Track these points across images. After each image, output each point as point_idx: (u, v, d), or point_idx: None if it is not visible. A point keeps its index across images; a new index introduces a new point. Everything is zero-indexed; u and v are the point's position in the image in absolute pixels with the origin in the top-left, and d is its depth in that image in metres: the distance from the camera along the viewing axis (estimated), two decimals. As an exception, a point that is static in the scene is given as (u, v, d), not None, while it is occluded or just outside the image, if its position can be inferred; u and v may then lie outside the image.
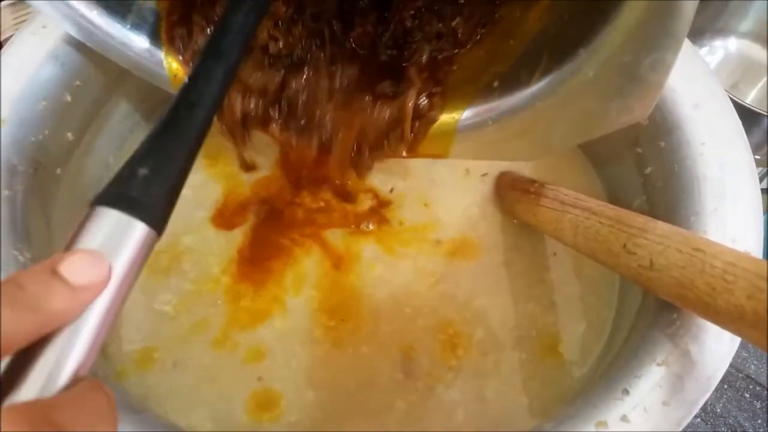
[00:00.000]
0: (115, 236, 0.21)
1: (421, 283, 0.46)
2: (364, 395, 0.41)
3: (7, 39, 0.64)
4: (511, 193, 0.47)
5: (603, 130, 0.31)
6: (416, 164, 0.48)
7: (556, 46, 0.32)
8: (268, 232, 0.46)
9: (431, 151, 0.39)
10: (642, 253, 0.32)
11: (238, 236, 0.46)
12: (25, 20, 0.66)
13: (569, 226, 0.38)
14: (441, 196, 0.49)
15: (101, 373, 0.37)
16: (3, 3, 0.63)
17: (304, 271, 0.46)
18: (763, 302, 0.25)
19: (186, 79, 0.27)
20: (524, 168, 0.50)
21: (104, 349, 0.42)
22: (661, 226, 0.32)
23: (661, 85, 0.28)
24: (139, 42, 0.39)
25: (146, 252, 0.22)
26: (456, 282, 0.46)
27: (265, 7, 0.31)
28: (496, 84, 0.36)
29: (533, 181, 0.46)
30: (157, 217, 0.22)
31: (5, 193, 0.37)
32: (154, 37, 0.39)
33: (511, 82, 0.35)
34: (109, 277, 0.21)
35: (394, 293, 0.45)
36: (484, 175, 0.50)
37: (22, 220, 0.37)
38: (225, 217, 0.47)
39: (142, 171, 0.23)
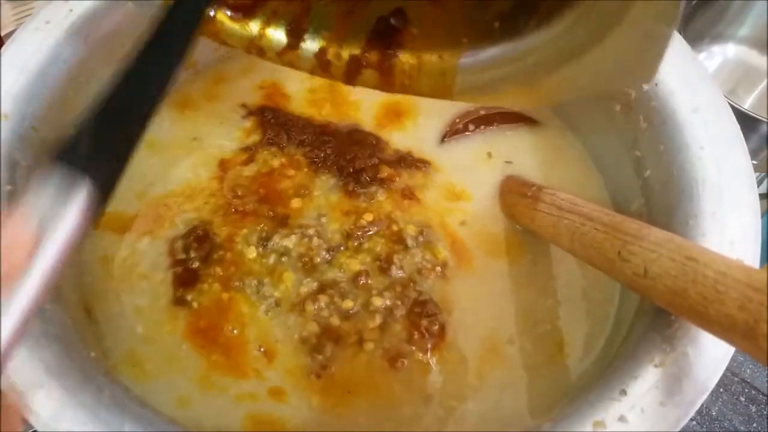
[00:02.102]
0: (57, 197, 0.21)
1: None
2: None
3: (8, 34, 0.64)
4: (509, 197, 0.47)
5: (601, 87, 0.32)
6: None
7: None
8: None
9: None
10: (636, 261, 0.32)
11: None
12: (26, 16, 0.66)
13: (566, 231, 0.38)
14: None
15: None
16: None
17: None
18: (753, 313, 0.25)
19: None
20: (528, 168, 0.50)
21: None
22: (656, 234, 0.33)
23: (661, 54, 0.29)
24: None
25: (90, 214, 0.22)
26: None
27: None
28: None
29: (531, 185, 0.46)
30: (101, 177, 0.23)
31: (7, 188, 0.37)
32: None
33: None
34: (37, 239, 0.20)
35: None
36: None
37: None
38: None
39: (88, 135, 0.23)
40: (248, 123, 0.52)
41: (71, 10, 0.43)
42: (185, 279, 0.45)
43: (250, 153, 0.51)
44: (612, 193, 0.49)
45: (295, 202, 0.48)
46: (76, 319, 0.37)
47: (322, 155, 0.50)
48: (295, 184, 0.49)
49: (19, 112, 0.39)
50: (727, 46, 0.72)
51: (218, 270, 0.45)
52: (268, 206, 0.48)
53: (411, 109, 0.53)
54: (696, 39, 0.69)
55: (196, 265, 0.45)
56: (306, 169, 0.50)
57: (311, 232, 0.46)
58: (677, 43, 0.45)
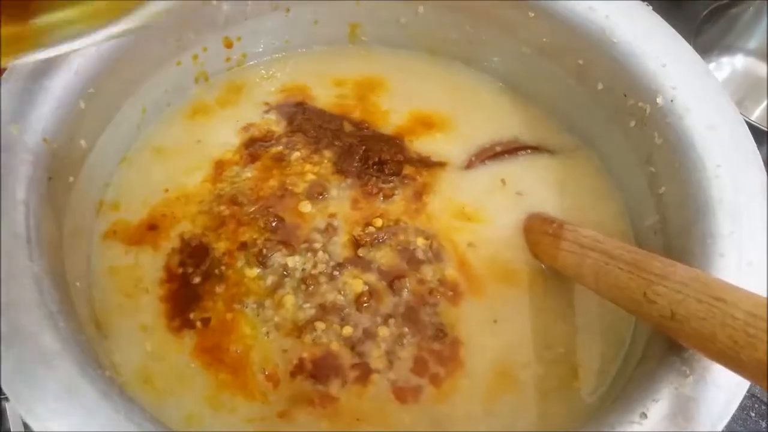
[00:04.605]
0: None
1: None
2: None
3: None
4: (533, 236, 0.46)
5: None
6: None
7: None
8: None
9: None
10: (662, 303, 0.31)
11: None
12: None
13: (590, 271, 0.38)
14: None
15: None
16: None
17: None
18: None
19: None
20: (544, 186, 0.50)
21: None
22: (681, 272, 0.32)
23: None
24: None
25: None
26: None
27: None
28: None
29: (552, 221, 0.45)
30: None
31: (19, 201, 0.36)
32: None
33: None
34: None
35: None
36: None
37: (36, 229, 0.36)
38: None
39: None
40: (272, 116, 0.52)
41: (83, 21, 0.42)
42: (188, 296, 0.44)
43: (261, 147, 0.50)
44: (628, 209, 0.49)
45: (305, 206, 0.47)
46: (89, 336, 0.37)
47: (348, 143, 0.50)
48: (309, 184, 0.48)
49: (32, 125, 0.39)
50: (736, 57, 0.72)
51: (221, 288, 0.44)
52: (271, 214, 0.47)
53: (444, 123, 0.53)
54: (705, 50, 0.69)
55: (197, 280, 0.44)
56: (327, 162, 0.49)
57: (318, 246, 0.46)
58: (693, 59, 0.45)
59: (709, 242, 0.38)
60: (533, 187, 0.50)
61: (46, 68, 0.40)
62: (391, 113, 0.53)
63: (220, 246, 0.45)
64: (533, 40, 0.51)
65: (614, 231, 0.48)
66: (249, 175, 0.49)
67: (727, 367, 0.28)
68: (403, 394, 0.41)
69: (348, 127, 0.52)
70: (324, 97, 0.54)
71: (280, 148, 0.50)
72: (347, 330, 0.42)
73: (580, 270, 0.39)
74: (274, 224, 0.46)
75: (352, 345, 0.42)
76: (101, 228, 0.46)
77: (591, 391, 0.41)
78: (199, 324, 0.43)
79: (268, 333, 0.43)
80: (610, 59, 0.46)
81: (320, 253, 0.45)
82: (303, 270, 0.45)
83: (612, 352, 0.43)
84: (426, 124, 0.53)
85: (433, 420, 0.41)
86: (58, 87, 0.40)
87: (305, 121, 0.52)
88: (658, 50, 0.45)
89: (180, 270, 0.45)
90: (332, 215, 0.47)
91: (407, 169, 0.49)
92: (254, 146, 0.50)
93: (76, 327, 0.35)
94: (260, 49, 0.55)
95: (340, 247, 0.46)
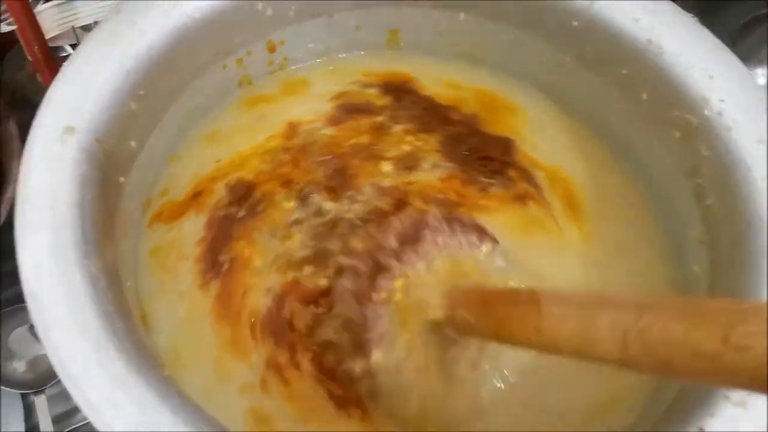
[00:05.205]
0: None
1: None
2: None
3: (53, 38, 0.64)
4: (492, 313, 0.35)
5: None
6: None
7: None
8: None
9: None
10: (758, 346, 0.22)
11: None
12: (69, 21, 0.66)
13: (609, 334, 0.27)
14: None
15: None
16: (50, 2, 0.63)
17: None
18: None
19: None
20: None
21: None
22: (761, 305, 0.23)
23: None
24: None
25: None
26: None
27: None
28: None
29: (512, 290, 0.39)
30: None
31: (74, 202, 0.37)
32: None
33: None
34: None
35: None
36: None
37: (92, 229, 0.37)
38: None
39: None
40: (373, 90, 0.53)
41: (135, 23, 0.43)
42: (224, 237, 0.44)
43: (358, 112, 0.51)
44: (667, 219, 0.49)
45: (385, 166, 0.48)
46: (141, 335, 0.37)
47: (458, 131, 0.50)
48: (403, 153, 0.49)
49: (86, 125, 0.39)
50: (772, 70, 0.72)
51: (256, 221, 0.45)
52: (337, 164, 0.47)
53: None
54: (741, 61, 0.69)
55: (241, 214, 0.45)
56: (433, 141, 0.50)
57: (362, 198, 0.46)
58: (740, 72, 0.45)
59: (759, 256, 0.38)
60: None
61: (99, 69, 0.41)
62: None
63: (269, 186, 0.46)
64: (575, 49, 0.51)
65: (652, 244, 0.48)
66: (330, 132, 0.50)
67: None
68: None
69: (456, 117, 0.52)
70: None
71: (381, 118, 0.51)
72: (323, 282, 0.42)
73: (589, 336, 0.28)
74: (331, 172, 0.47)
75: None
76: (148, 219, 0.46)
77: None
78: (225, 266, 0.43)
79: (267, 268, 0.43)
80: (656, 70, 0.46)
81: (356, 205, 0.46)
82: (335, 214, 0.45)
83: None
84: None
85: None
86: (112, 88, 0.41)
87: (413, 103, 0.52)
88: (705, 62, 0.45)
89: (222, 212, 0.46)
90: (409, 183, 0.48)
91: (512, 173, 0.50)
92: (349, 110, 0.51)
93: (132, 326, 0.35)
94: (300, 54, 0.55)
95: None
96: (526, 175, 0.50)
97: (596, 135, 0.54)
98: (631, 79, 0.49)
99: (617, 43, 0.48)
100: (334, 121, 0.51)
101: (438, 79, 0.55)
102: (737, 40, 0.68)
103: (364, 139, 0.50)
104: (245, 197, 0.46)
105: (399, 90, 0.54)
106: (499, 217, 0.47)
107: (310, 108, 0.52)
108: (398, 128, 0.51)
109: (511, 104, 0.55)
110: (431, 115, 0.52)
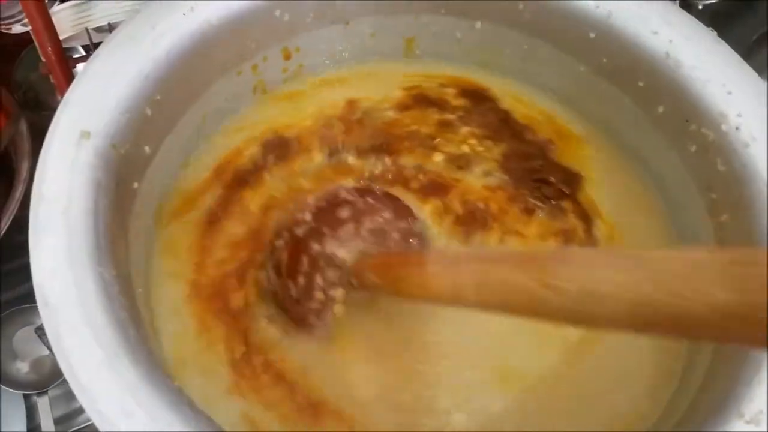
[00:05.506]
0: None
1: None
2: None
3: (66, 39, 0.64)
4: (390, 274, 0.39)
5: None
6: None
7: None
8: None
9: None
10: (572, 287, 0.26)
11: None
12: (82, 23, 0.66)
13: (469, 284, 0.32)
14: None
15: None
16: (67, 3, 0.63)
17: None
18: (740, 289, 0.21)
19: None
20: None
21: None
22: (582, 252, 0.31)
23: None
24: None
25: None
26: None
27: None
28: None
29: (409, 253, 0.42)
30: None
31: (89, 207, 0.37)
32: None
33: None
34: None
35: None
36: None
37: (105, 235, 0.36)
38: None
39: None
40: (450, 90, 0.54)
41: (154, 27, 0.43)
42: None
43: (430, 105, 0.52)
44: (681, 232, 0.49)
45: (437, 157, 0.49)
46: (154, 343, 0.37)
47: (526, 150, 0.50)
48: (461, 153, 0.49)
49: (102, 130, 0.39)
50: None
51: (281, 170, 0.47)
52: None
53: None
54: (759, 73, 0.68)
55: (271, 160, 0.47)
56: (495, 150, 0.50)
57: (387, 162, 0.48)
58: (759, 87, 0.45)
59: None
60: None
61: (117, 73, 0.41)
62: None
63: (308, 141, 0.49)
64: (591, 60, 0.51)
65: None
66: (393, 115, 0.51)
67: (671, 331, 0.25)
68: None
69: (530, 137, 0.52)
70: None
71: (451, 116, 0.51)
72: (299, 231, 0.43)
73: (457, 289, 0.32)
74: (380, 143, 0.49)
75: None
76: (160, 222, 0.46)
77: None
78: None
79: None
80: (673, 83, 0.46)
81: (381, 168, 0.48)
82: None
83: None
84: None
85: None
86: (129, 92, 0.40)
87: (490, 111, 0.52)
88: (723, 76, 0.45)
89: (248, 166, 0.48)
90: (454, 179, 0.48)
91: (566, 204, 0.49)
92: (421, 101, 0.52)
93: (145, 334, 0.35)
94: (315, 60, 0.55)
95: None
96: (583, 215, 0.48)
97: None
98: (648, 92, 0.48)
99: (635, 55, 0.48)
100: (402, 106, 0.52)
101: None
102: (751, 54, 0.68)
103: (427, 129, 0.50)
104: (279, 146, 0.48)
105: (477, 96, 0.54)
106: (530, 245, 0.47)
107: (377, 91, 0.53)
108: (465, 130, 0.51)
109: (581, 139, 0.54)
110: (504, 127, 0.52)
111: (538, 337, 0.43)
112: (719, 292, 0.21)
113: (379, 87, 0.53)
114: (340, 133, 0.49)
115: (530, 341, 0.43)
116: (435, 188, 0.48)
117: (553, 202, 0.48)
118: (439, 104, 0.52)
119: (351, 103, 0.51)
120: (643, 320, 0.24)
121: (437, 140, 0.50)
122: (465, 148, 0.50)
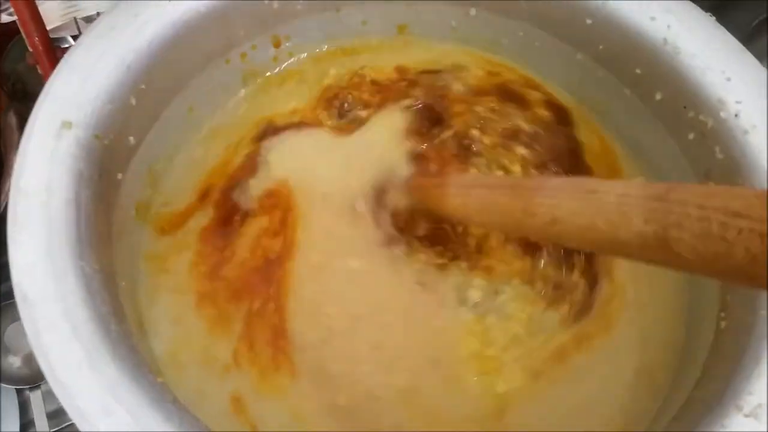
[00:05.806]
0: None
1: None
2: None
3: (54, 29, 0.63)
4: (420, 194, 0.45)
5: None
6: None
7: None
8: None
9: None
10: (542, 211, 0.31)
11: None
12: (70, 13, 0.65)
13: (474, 206, 0.38)
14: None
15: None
16: (54, -7, 0.62)
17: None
18: (659, 222, 0.25)
19: None
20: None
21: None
22: (553, 181, 0.34)
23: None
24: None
25: None
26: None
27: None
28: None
29: (437, 176, 0.46)
30: None
31: (70, 199, 0.36)
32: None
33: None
34: None
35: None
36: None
37: (87, 228, 0.36)
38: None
39: None
40: (537, 95, 0.53)
41: (136, 15, 0.42)
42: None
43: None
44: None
45: (446, 133, 0.49)
46: (137, 340, 0.36)
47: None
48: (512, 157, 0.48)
49: (84, 120, 0.38)
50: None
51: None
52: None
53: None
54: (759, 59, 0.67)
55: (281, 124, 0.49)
56: (518, 148, 0.49)
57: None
58: (758, 73, 0.44)
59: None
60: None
61: (99, 63, 0.40)
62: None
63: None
64: (588, 47, 0.50)
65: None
66: (463, 89, 0.51)
67: (613, 254, 0.32)
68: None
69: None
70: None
71: (527, 127, 0.50)
72: None
73: (466, 209, 0.39)
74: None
75: None
76: (147, 222, 0.45)
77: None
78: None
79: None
80: (671, 70, 0.45)
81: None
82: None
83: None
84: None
85: None
86: (111, 82, 0.39)
87: (566, 138, 0.50)
88: (722, 63, 0.44)
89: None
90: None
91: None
92: (503, 92, 0.52)
93: (127, 329, 0.34)
94: (305, 49, 0.54)
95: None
96: (590, 279, 0.45)
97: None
98: (645, 79, 0.47)
99: (632, 41, 0.47)
100: (478, 91, 0.51)
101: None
102: (750, 40, 0.66)
103: (499, 124, 0.49)
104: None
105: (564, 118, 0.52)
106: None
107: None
108: (528, 152, 0.48)
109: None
110: (568, 158, 0.49)
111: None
112: (641, 224, 0.25)
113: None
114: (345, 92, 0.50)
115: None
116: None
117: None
118: (521, 102, 0.52)
119: (398, 70, 0.52)
120: (590, 241, 0.29)
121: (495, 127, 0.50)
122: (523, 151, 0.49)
